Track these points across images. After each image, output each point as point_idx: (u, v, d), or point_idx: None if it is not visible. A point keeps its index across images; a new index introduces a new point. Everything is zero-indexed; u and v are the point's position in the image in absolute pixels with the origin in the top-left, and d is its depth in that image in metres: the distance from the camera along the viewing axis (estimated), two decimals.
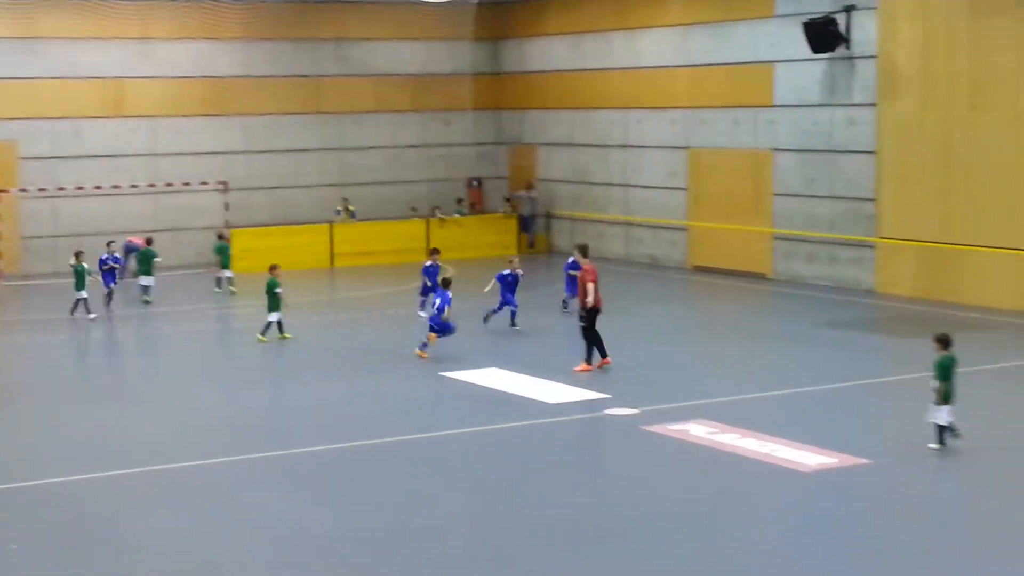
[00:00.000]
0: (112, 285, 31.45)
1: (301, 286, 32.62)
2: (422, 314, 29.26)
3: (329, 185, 42.05)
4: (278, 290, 27.00)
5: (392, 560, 14.33)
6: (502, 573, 14.04)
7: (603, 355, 23.83)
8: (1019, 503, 16.06)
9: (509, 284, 27.83)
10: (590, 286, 23.78)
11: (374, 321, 29.96)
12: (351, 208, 41.04)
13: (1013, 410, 20.77)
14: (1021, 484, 16.85)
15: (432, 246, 38.69)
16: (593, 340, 23.76)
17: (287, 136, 41.63)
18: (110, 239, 33.44)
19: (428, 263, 29.55)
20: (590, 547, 14.61)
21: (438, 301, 25.29)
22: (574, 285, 27.29)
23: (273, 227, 39.84)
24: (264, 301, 27.25)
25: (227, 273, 34.19)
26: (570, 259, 28.18)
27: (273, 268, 27.54)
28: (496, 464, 18.33)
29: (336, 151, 42.35)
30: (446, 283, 25.71)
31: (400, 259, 39.42)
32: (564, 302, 29.63)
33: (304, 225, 40.13)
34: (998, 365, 23.89)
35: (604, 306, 23.98)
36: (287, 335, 27.11)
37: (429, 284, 29.08)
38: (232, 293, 33.70)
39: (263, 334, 26.98)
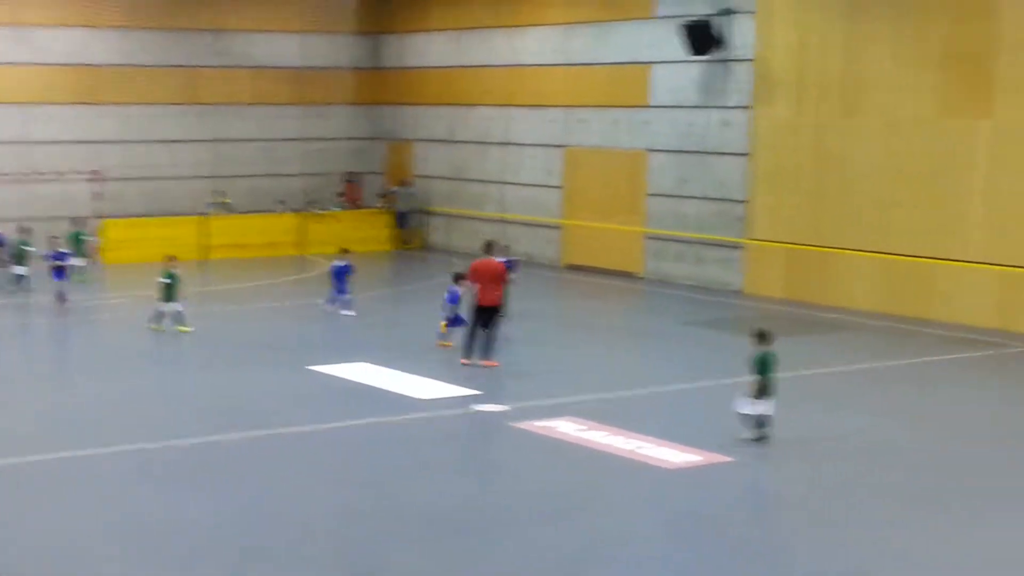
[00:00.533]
0: (59, 280, 30.07)
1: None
2: (328, 308, 29.02)
3: (205, 177, 41.61)
4: (163, 280, 26.75)
5: (257, 553, 14.22)
6: (366, 567, 13.99)
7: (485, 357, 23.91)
8: (874, 502, 16.34)
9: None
10: (470, 283, 23.99)
11: (245, 314, 29.73)
12: (226, 200, 40.66)
13: (869, 410, 21.13)
14: (874, 483, 17.16)
15: (302, 240, 38.61)
16: (482, 337, 23.82)
17: (163, 127, 41.13)
18: (54, 234, 32.13)
19: (338, 262, 29.17)
20: (454, 543, 14.62)
21: (447, 296, 25.51)
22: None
23: (146, 218, 39.37)
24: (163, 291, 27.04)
25: (78, 261, 33.61)
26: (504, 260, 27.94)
27: (169, 259, 27.31)
28: (362, 459, 18.27)
29: (212, 143, 41.93)
30: (459, 277, 25.66)
31: (275, 252, 39.24)
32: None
33: (178, 217, 39.67)
34: (855, 366, 24.28)
35: (487, 304, 23.98)
36: (159, 327, 26.81)
37: (339, 281, 28.92)
38: (82, 282, 33.15)
39: (179, 324, 26.84)
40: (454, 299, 25.42)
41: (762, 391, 18.58)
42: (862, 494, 16.66)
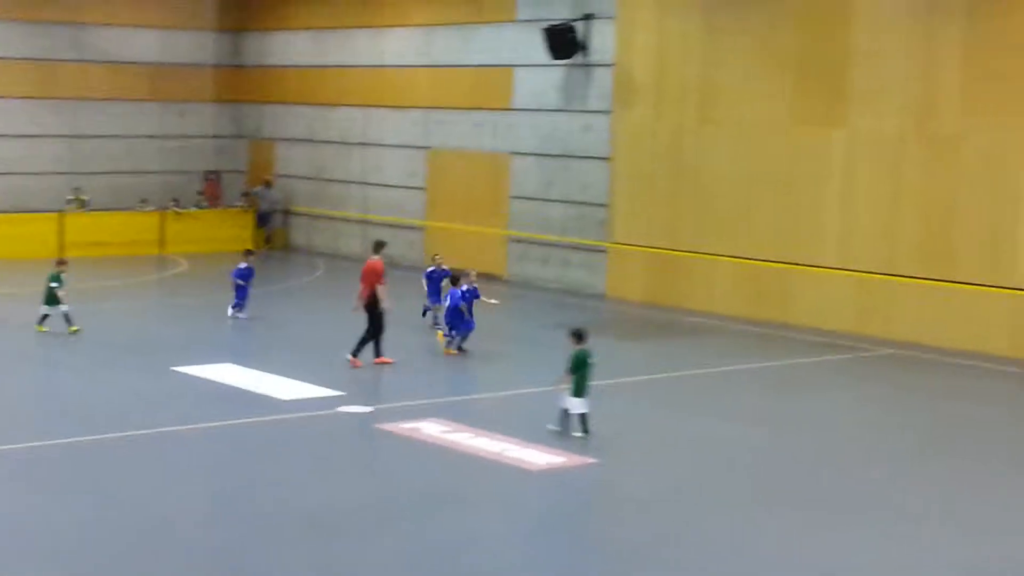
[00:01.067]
0: None
1: (31, 276, 31.69)
2: (241, 316, 28.23)
3: (62, 173, 40.89)
4: (53, 284, 26.26)
5: (118, 557, 14.12)
6: (228, 570, 13.96)
7: (377, 354, 23.98)
8: (735, 503, 16.72)
9: (466, 299, 25.52)
10: (362, 285, 24.11)
11: (106, 314, 29.32)
12: (83, 198, 40.05)
13: (729, 413, 21.52)
14: (736, 485, 17.54)
15: (162, 238, 38.15)
16: (372, 336, 23.84)
17: (18, 121, 40.34)
18: None
19: (243, 265, 28.41)
20: (317, 544, 14.64)
21: (449, 300, 25.21)
22: (437, 293, 26.97)
23: (0, 214, 38.62)
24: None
25: None
26: (429, 268, 27.63)
27: (60, 262, 26.82)
28: (225, 461, 18.19)
29: (70, 138, 41.24)
30: (455, 280, 25.44)
31: (134, 251, 38.74)
32: (425, 309, 28.23)
33: (34, 214, 38.95)
34: (716, 370, 24.66)
35: (363, 303, 24.06)
36: (43, 327, 26.32)
37: (242, 284, 28.15)
38: None
39: (40, 324, 26.36)
40: (456, 302, 25.22)
41: (580, 389, 19.12)
42: (723, 495, 17.02)
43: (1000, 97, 26.33)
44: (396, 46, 38.71)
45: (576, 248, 33.91)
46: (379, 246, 25.06)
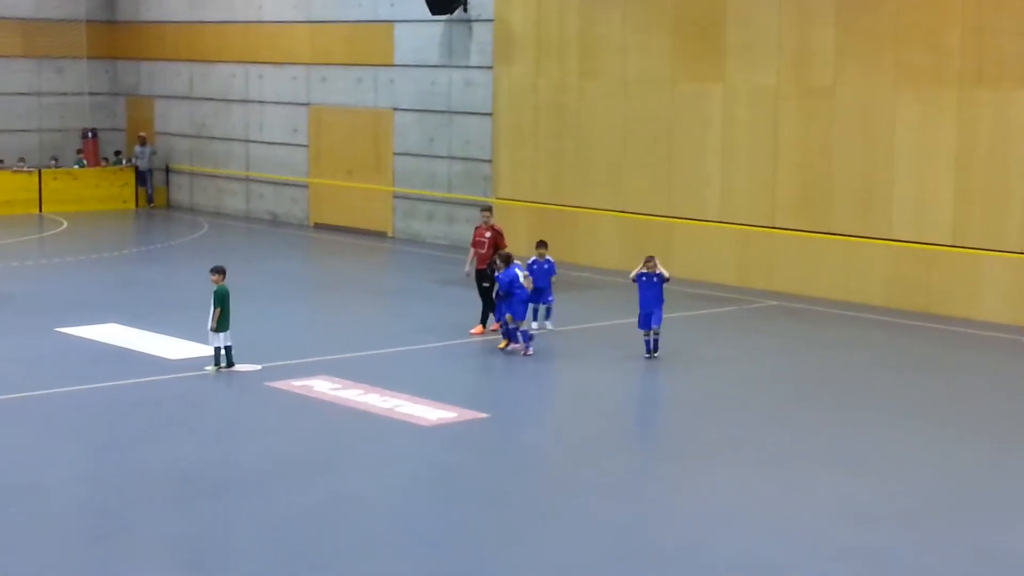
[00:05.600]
0: None
1: None
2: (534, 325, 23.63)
3: None
4: None
5: None
6: (111, 530, 13.88)
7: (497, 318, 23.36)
8: (624, 455, 17.03)
9: (545, 274, 23.54)
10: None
11: None
12: None
13: (621, 367, 21.81)
14: (625, 437, 17.86)
15: (39, 198, 37.62)
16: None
17: None
18: None
19: (537, 260, 23.97)
20: (207, 503, 14.67)
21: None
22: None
23: None
24: None
25: None
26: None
27: None
28: (112, 422, 18.06)
29: None
30: (507, 259, 22.43)
31: (12, 210, 38.16)
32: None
33: None
34: (604, 323, 24.91)
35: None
36: None
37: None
38: None
39: None
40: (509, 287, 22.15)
41: (223, 324, 20.25)
42: (611, 444, 17.32)
43: (870, 53, 26.83)
44: (273, 1, 38.37)
45: (462, 204, 34.04)
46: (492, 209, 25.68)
